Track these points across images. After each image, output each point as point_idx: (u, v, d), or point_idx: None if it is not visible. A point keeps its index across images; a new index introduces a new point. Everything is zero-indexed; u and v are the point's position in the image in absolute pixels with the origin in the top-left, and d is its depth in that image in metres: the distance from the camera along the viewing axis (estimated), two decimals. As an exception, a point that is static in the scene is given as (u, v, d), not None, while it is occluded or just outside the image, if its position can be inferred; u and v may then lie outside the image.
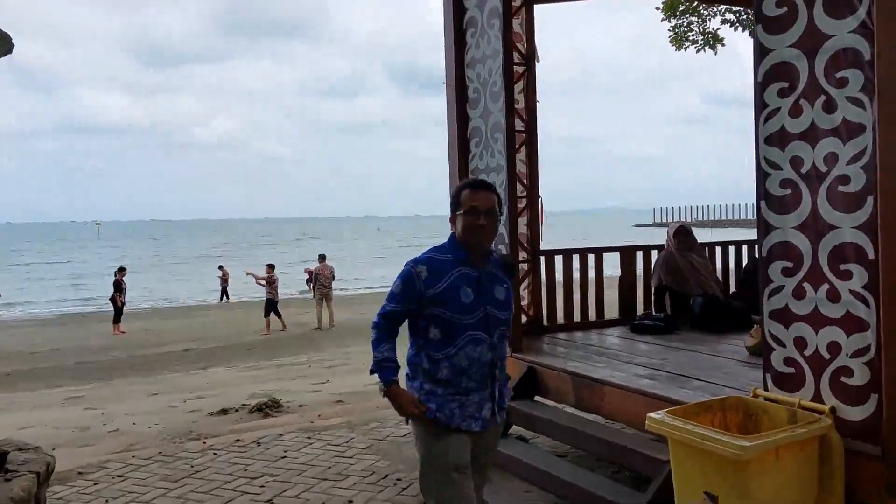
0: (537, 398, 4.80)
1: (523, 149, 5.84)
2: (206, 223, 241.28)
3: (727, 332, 5.41)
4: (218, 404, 7.99)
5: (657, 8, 10.10)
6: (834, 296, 3.01)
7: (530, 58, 5.87)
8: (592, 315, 6.13)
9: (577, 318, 6.07)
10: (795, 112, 3.12)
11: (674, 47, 10.43)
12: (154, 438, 6.25)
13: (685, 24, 10.27)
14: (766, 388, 3.30)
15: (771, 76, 3.20)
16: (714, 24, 10.25)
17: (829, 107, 3.00)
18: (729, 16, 10.10)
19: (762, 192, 3.25)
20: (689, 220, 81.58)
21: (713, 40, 10.25)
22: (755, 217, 3.40)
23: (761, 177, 3.26)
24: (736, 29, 10.11)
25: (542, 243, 5.95)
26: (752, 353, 4.50)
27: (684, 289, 6.03)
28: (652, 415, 3.11)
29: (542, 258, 5.91)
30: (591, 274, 6.16)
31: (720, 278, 6.59)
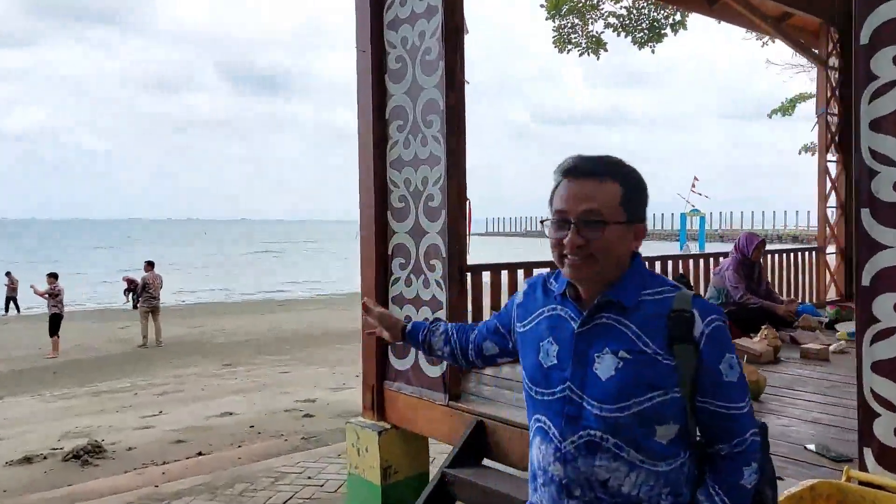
0: (487, 462, 3.65)
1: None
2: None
3: None
4: (19, 449, 6.37)
5: (541, 6, 9.81)
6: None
7: (459, 28, 4.42)
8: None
9: None
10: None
11: (556, 48, 10.10)
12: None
13: (569, 25, 9.89)
14: (864, 468, 2.42)
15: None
16: (598, 27, 9.94)
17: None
18: (612, 20, 9.83)
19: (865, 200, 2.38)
20: (519, 230, 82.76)
21: (596, 44, 9.94)
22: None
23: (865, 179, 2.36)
24: (619, 34, 9.89)
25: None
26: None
27: None
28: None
29: (469, 275, 4.50)
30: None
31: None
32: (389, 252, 4.22)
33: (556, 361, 1.59)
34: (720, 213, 64.21)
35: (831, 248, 8.05)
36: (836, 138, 7.92)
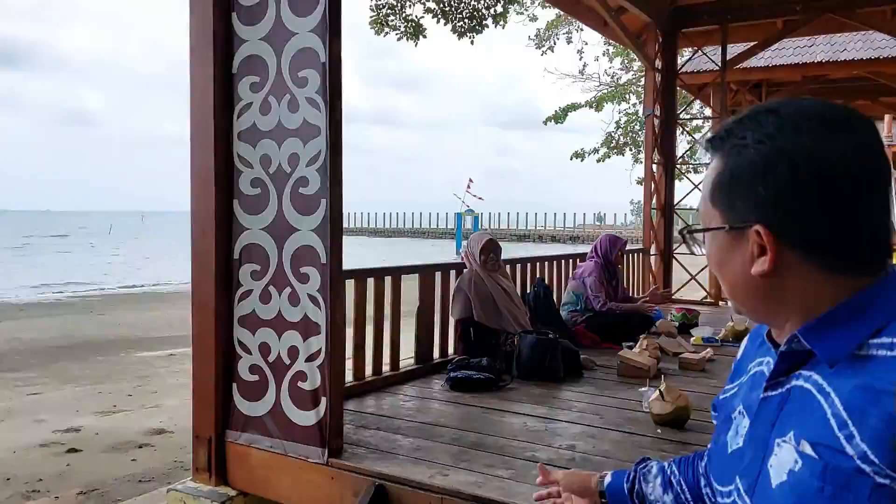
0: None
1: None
2: None
3: (563, 380, 4.23)
4: None
5: None
6: None
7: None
8: (385, 365, 4.25)
9: (368, 370, 4.09)
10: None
11: (374, 30, 9.47)
12: None
13: (386, 6, 9.34)
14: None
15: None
16: (417, 10, 9.41)
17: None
18: (431, 4, 9.30)
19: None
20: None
21: (415, 30, 9.41)
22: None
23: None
24: (438, 21, 9.38)
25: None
26: (659, 422, 3.32)
27: (497, 323, 4.58)
28: None
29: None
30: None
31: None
32: (236, 256, 3.10)
33: (740, 444, 0.99)
34: (489, 213, 67.40)
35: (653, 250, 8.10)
36: (658, 140, 7.96)
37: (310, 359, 2.90)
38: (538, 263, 5.88)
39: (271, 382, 3.00)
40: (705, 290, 8.50)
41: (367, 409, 3.59)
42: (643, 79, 17.09)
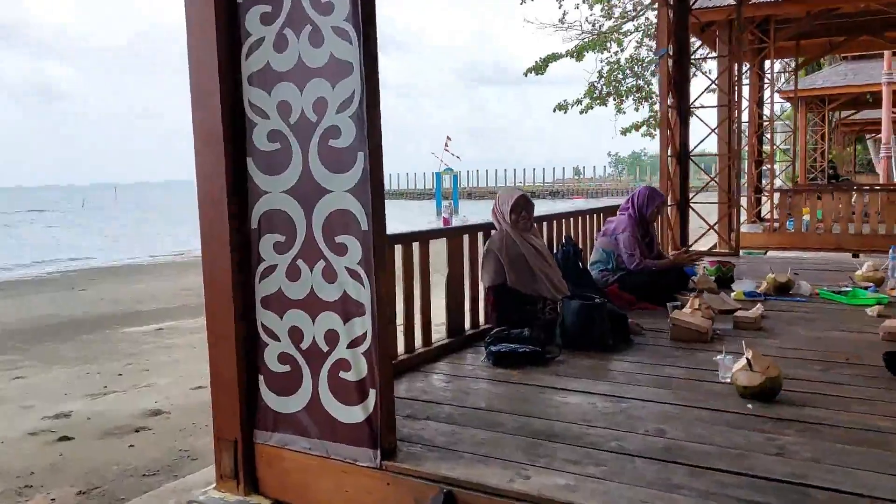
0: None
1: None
2: None
3: (613, 348, 3.82)
4: None
5: None
6: None
7: None
8: (418, 338, 3.80)
9: (399, 348, 3.61)
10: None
11: None
12: None
13: None
14: None
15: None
16: None
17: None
18: None
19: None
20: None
21: None
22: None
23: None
24: None
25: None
26: (747, 395, 2.93)
27: (532, 288, 4.10)
28: None
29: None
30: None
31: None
32: (254, 226, 2.60)
33: None
34: (468, 171, 66.65)
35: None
36: (675, 82, 7.47)
37: (353, 344, 2.43)
38: (560, 221, 5.41)
39: (306, 373, 2.53)
40: (725, 239, 8.11)
41: (408, 394, 3.13)
42: (625, 25, 16.79)
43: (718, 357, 3.26)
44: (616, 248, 5.08)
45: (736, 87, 9.21)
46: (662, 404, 2.92)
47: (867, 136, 29.33)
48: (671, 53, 7.39)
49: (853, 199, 9.54)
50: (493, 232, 4.24)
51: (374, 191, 2.35)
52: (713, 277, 5.49)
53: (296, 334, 2.54)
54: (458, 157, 46.69)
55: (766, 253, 8.68)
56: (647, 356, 3.69)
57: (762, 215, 11.42)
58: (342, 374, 2.46)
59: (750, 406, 2.85)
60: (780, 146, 14.80)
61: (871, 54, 17.74)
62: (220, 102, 2.53)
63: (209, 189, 2.61)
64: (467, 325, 4.19)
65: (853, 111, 22.98)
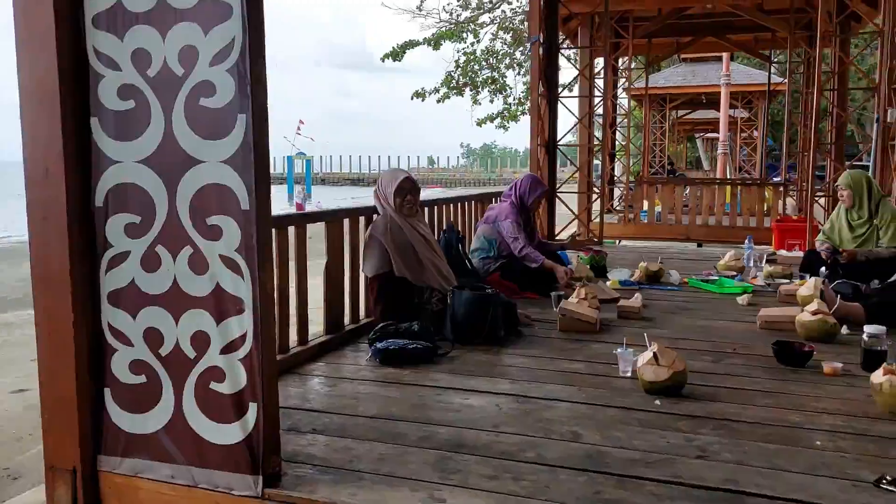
0: None
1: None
2: None
3: (504, 341, 3.59)
4: None
5: None
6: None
7: None
8: (293, 336, 3.39)
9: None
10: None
11: None
12: None
13: None
14: None
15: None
16: None
17: (185, -26, 1.93)
18: None
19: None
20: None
21: None
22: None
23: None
24: None
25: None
26: (652, 391, 2.76)
27: (419, 277, 3.76)
28: None
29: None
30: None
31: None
32: (99, 203, 2.08)
33: None
34: (321, 156, 65.17)
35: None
36: (545, 71, 7.42)
37: (228, 349, 2.01)
38: (442, 207, 5.14)
39: (167, 385, 2.07)
40: (588, 229, 8.22)
41: (287, 402, 2.70)
42: (481, 16, 16.88)
43: (619, 350, 3.11)
44: (498, 236, 4.88)
45: (595, 81, 9.38)
46: (570, 403, 2.71)
47: (697, 134, 31.63)
48: (542, 41, 7.33)
49: (700, 192, 10.03)
50: (376, 217, 3.87)
51: (258, 162, 1.94)
52: (587, 265, 5.45)
53: (153, 338, 2.07)
54: (311, 139, 45.41)
55: (618, 243, 8.89)
56: (541, 349, 3.49)
57: (615, 206, 11.82)
58: (214, 386, 2.03)
59: (658, 402, 2.70)
60: (626, 142, 15.46)
61: (707, 57, 19.02)
62: (55, 48, 2.00)
63: (40, 157, 2.06)
64: (347, 319, 3.81)
65: (689, 111, 24.58)
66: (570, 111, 8.11)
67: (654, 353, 2.78)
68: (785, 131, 12.27)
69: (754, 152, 21.51)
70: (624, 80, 13.22)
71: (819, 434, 2.39)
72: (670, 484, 2.02)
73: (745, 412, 2.60)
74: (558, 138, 7.95)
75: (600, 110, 10.46)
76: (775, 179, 12.75)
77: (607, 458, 2.19)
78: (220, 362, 2.02)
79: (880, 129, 6.82)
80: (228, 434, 2.02)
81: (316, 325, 3.70)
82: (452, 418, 2.54)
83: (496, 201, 5.85)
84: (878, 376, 2.60)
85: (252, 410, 2.00)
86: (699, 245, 9.12)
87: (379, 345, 3.27)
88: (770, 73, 13.59)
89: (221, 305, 2.00)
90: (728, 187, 10.87)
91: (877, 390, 2.59)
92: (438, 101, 16.84)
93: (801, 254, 6.28)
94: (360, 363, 3.28)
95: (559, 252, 5.42)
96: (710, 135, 30.29)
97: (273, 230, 3.05)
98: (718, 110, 21.07)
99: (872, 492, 1.98)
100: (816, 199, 7.64)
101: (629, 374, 3.02)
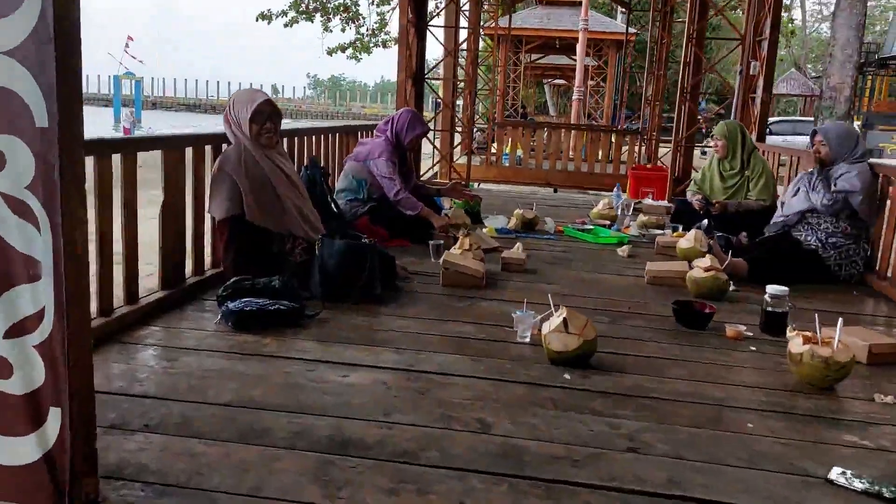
0: None
1: None
2: None
3: (380, 298, 3.09)
4: None
5: None
6: None
7: None
8: (119, 295, 2.70)
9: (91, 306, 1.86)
10: None
11: None
12: None
13: None
14: None
15: None
16: None
17: None
18: None
19: None
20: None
21: None
22: None
23: None
24: None
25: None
26: (560, 361, 2.41)
27: (279, 223, 3.16)
28: None
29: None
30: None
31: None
32: None
33: None
34: (152, 78, 59.92)
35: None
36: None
37: (15, 332, 1.38)
38: (303, 138, 4.48)
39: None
40: (453, 170, 7.83)
41: (109, 385, 2.08)
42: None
43: (518, 313, 2.73)
44: (369, 176, 4.33)
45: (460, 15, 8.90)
46: (469, 378, 2.29)
47: (545, 80, 32.11)
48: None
49: (560, 138, 9.93)
50: (226, 146, 3.20)
51: (63, 58, 1.29)
52: (464, 212, 5.05)
53: None
54: (141, 62, 41.48)
55: (477, 185, 8.59)
56: (424, 309, 3.05)
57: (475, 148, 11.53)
58: (-4, 384, 1.40)
59: (567, 376, 2.35)
60: (489, 82, 15.19)
61: (563, 1, 19.03)
62: None
63: None
64: (189, 270, 3.15)
65: (541, 55, 24.73)
66: (439, 40, 7.58)
67: (564, 319, 2.42)
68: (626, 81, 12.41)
69: (602, 100, 22.10)
70: (490, 18, 12.80)
71: (747, 414, 2.14)
72: (608, 490, 1.66)
73: (661, 387, 2.30)
74: (426, 71, 7.42)
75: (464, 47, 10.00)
76: (633, 127, 12.98)
77: (526, 456, 1.80)
78: (3, 351, 1.39)
79: (742, 81, 6.89)
80: (19, 452, 1.41)
81: (150, 279, 3.03)
82: (331, 404, 2.04)
83: (365, 136, 5.27)
84: (797, 345, 2.39)
85: (54, 417, 1.40)
86: (555, 190, 9.04)
87: (231, 304, 2.67)
88: (629, 19, 13.69)
89: (8, 268, 1.36)
90: (584, 133, 10.88)
91: (796, 360, 2.38)
92: (286, 26, 15.75)
93: (665, 203, 6.27)
94: (206, 328, 2.67)
95: (435, 199, 4.98)
96: (557, 81, 30.91)
97: (92, 158, 2.35)
98: (570, 56, 21.39)
99: (824, 489, 1.73)
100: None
101: (527, 340, 2.66)
